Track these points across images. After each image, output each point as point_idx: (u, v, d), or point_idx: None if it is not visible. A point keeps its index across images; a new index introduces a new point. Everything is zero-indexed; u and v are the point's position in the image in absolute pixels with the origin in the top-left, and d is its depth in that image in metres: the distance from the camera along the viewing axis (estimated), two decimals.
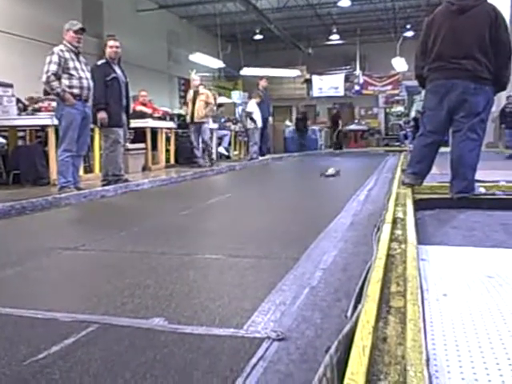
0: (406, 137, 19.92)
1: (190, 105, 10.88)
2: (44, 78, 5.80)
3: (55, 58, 5.79)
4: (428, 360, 1.33)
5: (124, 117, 6.90)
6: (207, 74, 20.64)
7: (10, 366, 1.58)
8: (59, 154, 5.96)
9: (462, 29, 4.23)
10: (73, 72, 5.89)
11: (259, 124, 12.82)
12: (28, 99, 9.82)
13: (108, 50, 6.83)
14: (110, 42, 6.92)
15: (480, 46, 4.17)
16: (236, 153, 14.30)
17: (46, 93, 7.62)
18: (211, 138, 11.45)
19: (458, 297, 1.90)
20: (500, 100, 15.60)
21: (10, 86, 7.67)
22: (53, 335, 1.79)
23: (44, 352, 1.66)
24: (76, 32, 5.99)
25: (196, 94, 11.04)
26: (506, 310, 1.75)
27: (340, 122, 20.51)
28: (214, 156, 11.27)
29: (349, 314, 1.73)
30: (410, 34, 20.39)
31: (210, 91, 11.67)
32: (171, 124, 10.99)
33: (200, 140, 10.78)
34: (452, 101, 4.29)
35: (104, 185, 6.54)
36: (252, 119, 12.66)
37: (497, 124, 16.37)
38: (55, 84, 5.77)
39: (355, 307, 1.71)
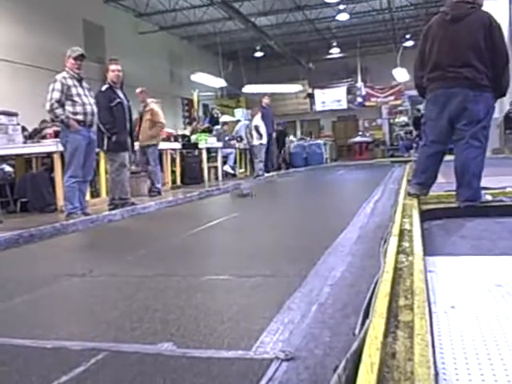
0: (408, 147, 19.87)
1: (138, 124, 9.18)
2: (48, 106, 5.86)
3: (58, 86, 5.86)
4: (437, 375, 1.32)
5: (129, 140, 6.95)
6: (210, 93, 20.80)
7: None
8: (65, 181, 6.00)
9: (457, 37, 4.25)
10: (76, 98, 5.95)
11: (265, 140, 12.84)
12: (41, 122, 9.94)
13: (110, 75, 6.90)
14: (112, 66, 6.99)
15: (476, 53, 4.19)
16: (242, 171, 14.33)
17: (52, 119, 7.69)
18: (159, 162, 9.39)
19: (466, 308, 1.89)
20: (503, 105, 15.61)
21: (15, 114, 7.76)
22: (63, 364, 1.79)
23: (55, 382, 1.66)
24: (75, 59, 6.04)
25: (143, 110, 9.51)
26: None
27: (287, 139, 18.77)
28: (159, 186, 8.97)
29: (357, 330, 1.72)
30: (409, 43, 20.49)
31: (157, 104, 9.86)
32: (176, 145, 11.04)
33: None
34: (452, 109, 4.30)
35: (111, 209, 6.57)
36: (259, 133, 12.63)
37: (502, 129, 16.35)
38: (59, 111, 5.83)
39: (363, 323, 1.70)
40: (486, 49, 4.18)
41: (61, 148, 6.35)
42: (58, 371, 1.73)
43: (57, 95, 5.82)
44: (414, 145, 19.06)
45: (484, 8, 4.48)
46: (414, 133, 20.19)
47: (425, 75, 4.51)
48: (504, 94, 4.44)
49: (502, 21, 16.47)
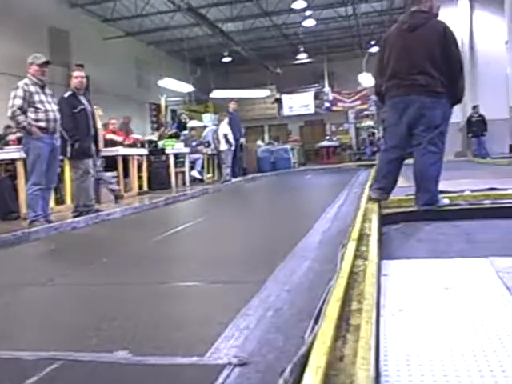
0: (374, 151, 20.18)
1: None
2: (9, 113, 5.79)
3: (20, 93, 5.79)
4: (379, 376, 1.37)
5: (93, 146, 6.90)
6: (178, 99, 20.76)
7: None
8: (28, 188, 5.93)
9: (413, 46, 4.38)
10: (38, 105, 5.89)
11: (233, 146, 12.94)
12: (5, 128, 9.81)
13: (73, 81, 6.85)
14: (75, 73, 6.94)
15: (432, 61, 4.31)
16: (209, 176, 14.34)
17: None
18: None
19: (413, 311, 1.96)
20: (466, 109, 16.00)
21: None
22: (16, 375, 1.80)
23: None
24: (40, 65, 5.99)
25: None
26: (457, 321, 1.81)
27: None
28: (115, 186, 8.66)
29: (307, 335, 1.76)
30: (375, 49, 20.77)
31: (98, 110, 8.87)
32: (143, 151, 10.99)
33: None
34: (410, 116, 4.42)
35: (75, 216, 6.51)
36: (227, 140, 12.71)
37: (464, 133, 16.74)
38: (21, 118, 5.76)
39: (314, 327, 1.75)
40: (441, 57, 4.30)
41: (23, 155, 6.28)
42: (10, 382, 1.73)
43: (19, 102, 5.76)
44: (375, 148, 19.44)
45: (445, 14, 4.63)
46: (377, 135, 20.54)
47: (384, 83, 4.62)
48: (459, 101, 4.57)
49: (463, 27, 16.95)
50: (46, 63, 6.06)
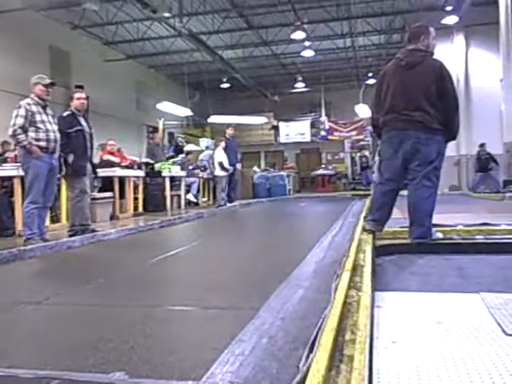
0: (369, 181, 20.32)
1: None
2: (10, 132, 5.85)
3: (22, 112, 5.86)
4: None
5: (89, 166, 6.95)
6: (176, 122, 20.91)
7: None
8: (25, 206, 5.95)
9: (410, 83, 4.49)
10: (40, 125, 5.96)
11: (228, 171, 13.05)
12: (2, 143, 9.84)
13: (75, 102, 6.91)
14: (77, 94, 7.01)
15: (428, 98, 4.42)
16: (205, 199, 14.39)
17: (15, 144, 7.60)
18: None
19: (405, 344, 2.00)
20: (460, 144, 16.24)
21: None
22: None
23: None
24: (46, 86, 6.10)
25: None
26: (448, 355, 1.85)
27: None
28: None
29: (301, 363, 1.80)
30: (371, 81, 21.07)
31: None
32: (139, 172, 11.05)
33: None
34: (406, 151, 4.51)
35: (71, 235, 6.53)
36: (223, 167, 12.84)
37: (468, 168, 17.02)
38: (22, 137, 5.82)
39: (308, 356, 1.78)
40: (436, 94, 4.41)
41: (21, 173, 6.32)
42: None
43: (20, 121, 5.83)
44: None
45: (441, 51, 4.77)
46: (370, 161, 20.68)
47: (380, 117, 4.72)
48: (455, 137, 4.67)
49: (459, 64, 17.25)
50: (52, 84, 6.18)
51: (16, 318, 3.04)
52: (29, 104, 5.94)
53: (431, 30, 4.72)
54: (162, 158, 13.47)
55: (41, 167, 5.92)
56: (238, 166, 14.49)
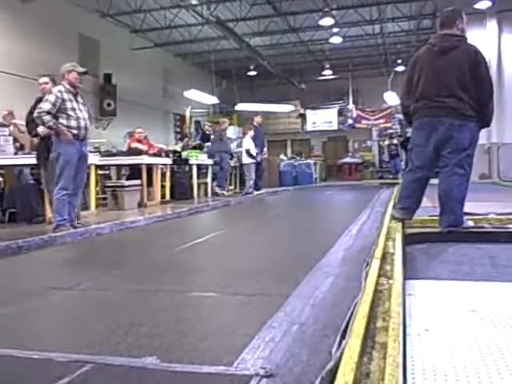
0: (398, 170, 20.13)
1: None
2: (35, 114, 5.91)
3: (52, 98, 5.92)
4: None
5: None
6: (202, 110, 20.95)
7: None
8: (55, 193, 6.01)
9: (443, 69, 4.39)
10: (70, 112, 6.01)
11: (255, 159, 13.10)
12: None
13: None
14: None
15: (462, 84, 4.32)
16: (231, 188, 14.42)
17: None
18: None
19: (438, 332, 1.97)
20: (491, 131, 15.93)
21: (6, 125, 7.79)
22: (48, 375, 1.85)
23: None
24: (80, 74, 6.17)
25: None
26: (483, 344, 1.82)
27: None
28: None
29: (333, 350, 1.79)
30: (401, 68, 20.78)
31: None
32: (166, 160, 11.12)
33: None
34: (438, 137, 4.42)
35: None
36: (251, 155, 12.88)
37: (499, 156, 16.66)
38: (46, 118, 5.85)
39: (340, 343, 1.77)
40: (471, 81, 4.31)
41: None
42: (43, 382, 1.78)
43: (48, 106, 5.88)
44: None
45: (474, 37, 4.65)
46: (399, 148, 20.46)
47: (411, 104, 4.64)
48: (488, 124, 4.57)
49: (491, 49, 16.87)
50: (85, 73, 6.25)
51: (49, 303, 3.09)
52: (60, 91, 6.00)
53: (463, 14, 4.62)
54: (229, 144, 13.74)
55: (72, 154, 5.99)
56: (265, 153, 14.48)
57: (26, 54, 12.53)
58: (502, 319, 2.12)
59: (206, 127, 16.35)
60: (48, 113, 5.88)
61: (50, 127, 5.97)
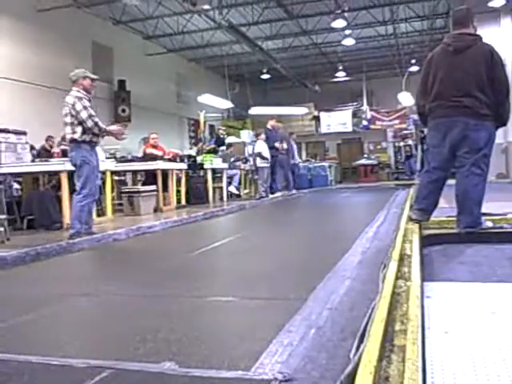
0: (413, 171, 19.98)
1: None
2: (90, 124, 5.93)
3: (87, 103, 5.98)
4: None
5: None
6: (216, 115, 21.00)
7: None
8: (79, 200, 5.95)
9: (459, 68, 4.35)
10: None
11: (269, 162, 13.13)
12: (46, 139, 10.08)
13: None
14: None
15: (478, 84, 4.28)
16: (247, 191, 14.42)
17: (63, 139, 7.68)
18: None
19: (458, 334, 1.95)
20: (508, 130, 15.72)
21: (24, 133, 7.88)
22: (68, 381, 1.86)
23: None
24: (93, 80, 6.23)
25: None
26: (504, 346, 1.79)
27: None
28: None
29: (352, 354, 1.77)
30: (414, 68, 20.66)
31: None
32: (182, 165, 11.16)
33: None
34: (454, 138, 4.38)
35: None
36: (263, 157, 12.92)
37: (506, 155, 16.44)
38: (101, 124, 6.01)
39: (358, 347, 1.76)
40: (487, 80, 4.27)
41: (68, 167, 6.44)
42: None
43: (91, 111, 5.97)
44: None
45: (489, 34, 4.60)
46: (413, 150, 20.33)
47: (427, 104, 4.60)
48: (505, 124, 4.51)
49: (506, 47, 16.69)
50: (95, 79, 6.32)
51: (67, 310, 3.11)
52: (82, 97, 6.04)
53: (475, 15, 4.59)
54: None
55: (94, 161, 6.05)
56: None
57: (40, 62, 12.67)
58: None
59: (221, 131, 16.39)
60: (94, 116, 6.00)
61: (105, 131, 6.10)
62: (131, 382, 1.85)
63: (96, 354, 2.15)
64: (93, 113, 5.97)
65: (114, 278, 4.00)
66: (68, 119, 6.01)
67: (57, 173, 7.39)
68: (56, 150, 9.00)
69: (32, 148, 8.50)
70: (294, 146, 16.68)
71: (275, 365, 1.90)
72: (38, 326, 2.73)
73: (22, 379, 1.94)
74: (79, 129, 5.97)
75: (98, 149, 6.70)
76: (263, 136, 13.29)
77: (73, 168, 6.18)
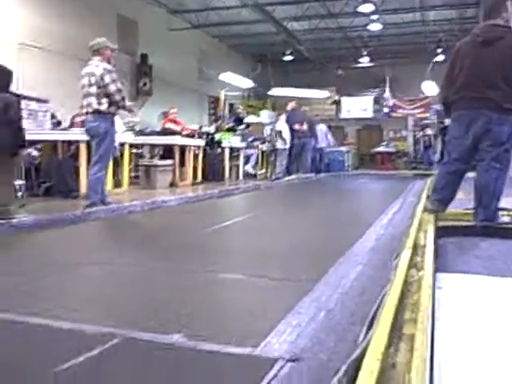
0: (431, 162, 19.80)
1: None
2: (118, 97, 5.95)
3: (115, 76, 5.98)
4: None
5: None
6: (237, 93, 20.91)
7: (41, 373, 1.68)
8: (95, 171, 5.97)
9: (486, 60, 4.27)
10: None
11: (288, 144, 13.10)
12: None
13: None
14: None
15: (505, 77, 4.20)
16: (263, 171, 14.40)
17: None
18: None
19: (468, 326, 1.95)
20: None
21: (46, 101, 7.93)
22: (78, 346, 1.89)
23: (71, 362, 1.74)
24: (113, 51, 6.22)
25: None
26: None
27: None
28: None
29: (360, 338, 1.78)
30: (440, 58, 20.33)
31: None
32: (200, 142, 11.16)
33: None
34: (477, 130, 4.32)
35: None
36: (282, 138, 12.89)
37: None
38: (127, 100, 6.09)
39: (367, 332, 1.76)
40: None
41: (85, 137, 6.47)
42: (73, 352, 1.82)
43: (120, 85, 5.99)
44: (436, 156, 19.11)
45: None
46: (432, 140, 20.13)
47: (451, 94, 4.53)
48: None
49: None
50: (115, 50, 6.41)
51: (81, 278, 3.15)
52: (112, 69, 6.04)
53: (508, 3, 4.47)
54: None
55: (114, 133, 6.08)
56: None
57: (65, 33, 12.64)
58: None
59: (239, 110, 16.32)
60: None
61: (127, 108, 6.29)
62: (140, 350, 1.88)
63: (107, 321, 2.18)
64: (121, 87, 5.96)
65: (128, 248, 4.04)
66: (93, 90, 5.92)
67: (76, 142, 7.45)
68: (77, 119, 9.04)
69: (53, 117, 8.53)
70: (324, 130, 16.59)
71: (283, 344, 1.91)
72: (52, 292, 2.77)
73: (34, 341, 1.98)
74: (105, 100, 5.92)
75: (118, 120, 6.72)
76: (284, 116, 13.28)
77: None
